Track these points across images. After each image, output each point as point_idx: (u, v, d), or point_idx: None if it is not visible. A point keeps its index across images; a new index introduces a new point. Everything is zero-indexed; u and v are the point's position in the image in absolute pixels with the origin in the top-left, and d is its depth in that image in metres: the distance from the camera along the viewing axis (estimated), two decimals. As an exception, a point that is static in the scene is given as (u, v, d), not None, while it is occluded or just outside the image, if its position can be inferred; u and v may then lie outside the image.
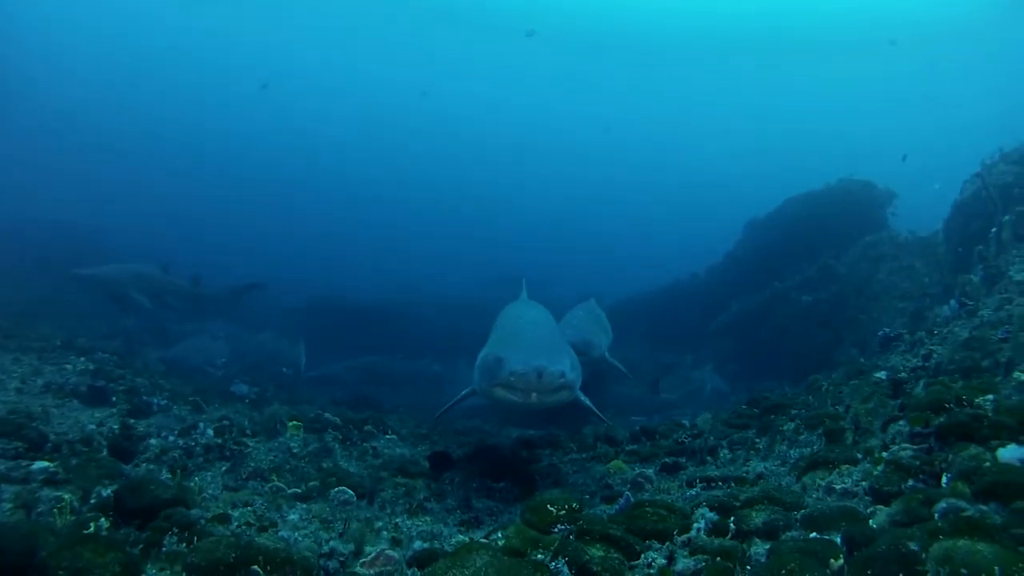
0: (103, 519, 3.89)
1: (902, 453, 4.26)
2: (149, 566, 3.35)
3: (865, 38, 55.88)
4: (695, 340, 20.15)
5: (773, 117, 70.64)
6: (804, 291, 17.35)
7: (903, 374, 6.78)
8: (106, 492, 5.09)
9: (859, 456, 4.63)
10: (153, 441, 7.38)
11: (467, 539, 4.51)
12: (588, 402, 7.29)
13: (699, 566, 3.17)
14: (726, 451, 6.54)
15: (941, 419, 4.41)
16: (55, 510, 4.50)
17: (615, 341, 15.05)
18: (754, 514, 3.75)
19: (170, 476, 6.03)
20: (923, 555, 2.76)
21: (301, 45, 71.78)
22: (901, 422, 4.94)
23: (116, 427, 7.64)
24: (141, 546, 3.42)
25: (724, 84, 68.46)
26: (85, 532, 3.57)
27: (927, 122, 59.68)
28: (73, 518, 4.24)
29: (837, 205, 19.21)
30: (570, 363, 6.05)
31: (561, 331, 10.69)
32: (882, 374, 7.12)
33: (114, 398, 8.99)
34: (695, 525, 3.68)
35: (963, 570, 2.63)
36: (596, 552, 3.26)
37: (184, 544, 3.68)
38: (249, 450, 7.31)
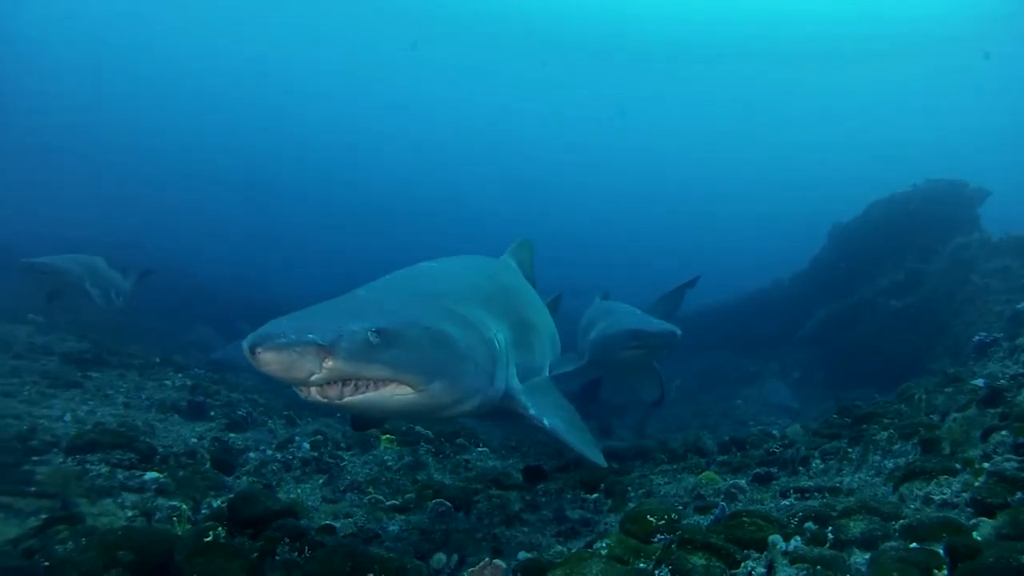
0: (220, 528, 4.10)
1: (1006, 464, 4.18)
2: (268, 572, 3.53)
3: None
4: (780, 348, 19.84)
5: (856, 120, 69.21)
6: (892, 296, 16.94)
7: (1002, 381, 6.58)
8: (216, 503, 5.36)
9: (958, 467, 4.54)
10: (252, 454, 7.69)
11: (565, 549, 4.61)
12: (544, 422, 4.84)
13: (800, 575, 3.19)
14: (818, 461, 6.44)
15: (1048, 429, 4.32)
16: (173, 518, 4.77)
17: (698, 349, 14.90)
18: (852, 524, 3.74)
19: (264, 488, 6.24)
20: (1034, 569, 2.74)
21: (302, 53, 72.65)
22: (1003, 432, 4.83)
23: (216, 440, 7.95)
24: (256, 554, 3.60)
25: (808, 86, 67.41)
26: (206, 540, 3.79)
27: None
28: (190, 526, 4.48)
29: (925, 206, 18.70)
30: (379, 325, 3.55)
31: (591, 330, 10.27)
32: (979, 381, 6.92)
33: (212, 412, 9.37)
34: (793, 536, 3.70)
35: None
36: (698, 560, 3.33)
37: (296, 553, 3.87)
38: (345, 463, 7.55)
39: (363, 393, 3.58)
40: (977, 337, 9.85)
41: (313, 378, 3.39)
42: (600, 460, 4.99)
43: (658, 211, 78.25)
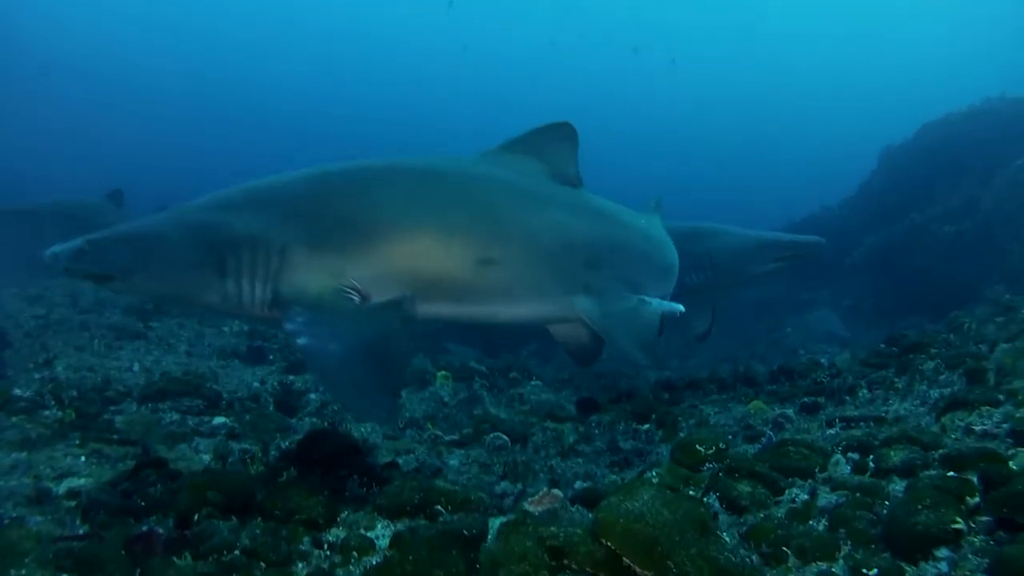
0: (292, 468, 4.37)
1: (1049, 395, 4.24)
2: (342, 507, 3.78)
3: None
4: (831, 275, 19.59)
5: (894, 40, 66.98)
6: (946, 222, 16.48)
7: (1056, 310, 6.59)
8: (284, 444, 5.67)
9: (1001, 398, 4.61)
10: (312, 395, 7.99)
11: (619, 479, 4.82)
12: (299, 340, 4.29)
13: (841, 501, 3.35)
14: (865, 391, 6.50)
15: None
16: (246, 459, 5.07)
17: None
18: (892, 453, 3.87)
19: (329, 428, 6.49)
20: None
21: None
22: (1051, 362, 4.88)
23: (278, 384, 8.26)
24: (327, 491, 3.85)
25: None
26: (280, 480, 4.07)
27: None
28: (263, 468, 4.76)
29: (982, 127, 18.12)
30: (91, 238, 4.67)
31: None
32: (1032, 310, 6.93)
33: (271, 356, 9.68)
34: (839, 464, 3.84)
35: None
36: (744, 488, 3.54)
37: (364, 489, 4.11)
38: (402, 401, 7.78)
39: (112, 283, 4.72)
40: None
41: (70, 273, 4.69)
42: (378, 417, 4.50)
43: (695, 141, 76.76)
